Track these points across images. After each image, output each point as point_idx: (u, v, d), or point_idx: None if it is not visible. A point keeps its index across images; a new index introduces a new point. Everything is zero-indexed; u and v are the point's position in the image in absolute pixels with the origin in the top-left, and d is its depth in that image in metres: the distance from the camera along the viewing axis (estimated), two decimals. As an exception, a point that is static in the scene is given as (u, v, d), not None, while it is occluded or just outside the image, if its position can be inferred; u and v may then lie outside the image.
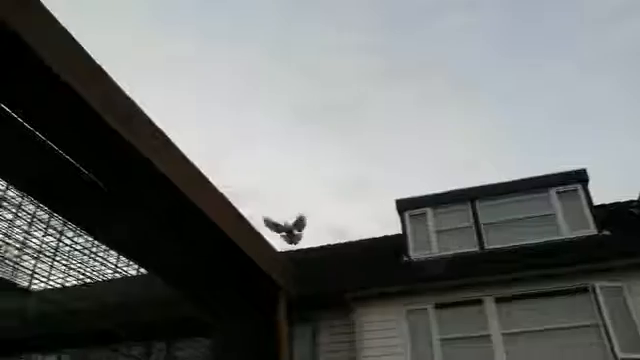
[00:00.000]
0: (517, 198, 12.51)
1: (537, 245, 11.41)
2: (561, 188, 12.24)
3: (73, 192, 0.93)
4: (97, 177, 0.88)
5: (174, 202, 0.96)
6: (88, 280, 1.55)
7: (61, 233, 1.27)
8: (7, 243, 1.41)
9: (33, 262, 1.51)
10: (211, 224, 1.06)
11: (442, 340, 10.51)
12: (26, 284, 1.57)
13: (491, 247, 12.02)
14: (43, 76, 0.72)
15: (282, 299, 1.62)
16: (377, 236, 15.32)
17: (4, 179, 0.98)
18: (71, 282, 1.60)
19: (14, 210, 1.35)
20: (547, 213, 12.09)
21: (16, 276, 1.56)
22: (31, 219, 1.38)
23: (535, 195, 12.41)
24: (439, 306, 10.74)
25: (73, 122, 0.83)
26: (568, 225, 11.77)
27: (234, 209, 1.23)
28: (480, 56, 21.78)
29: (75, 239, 1.49)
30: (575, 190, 12.17)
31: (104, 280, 1.66)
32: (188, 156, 1.05)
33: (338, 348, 11.37)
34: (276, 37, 21.28)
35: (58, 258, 1.51)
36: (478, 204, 12.63)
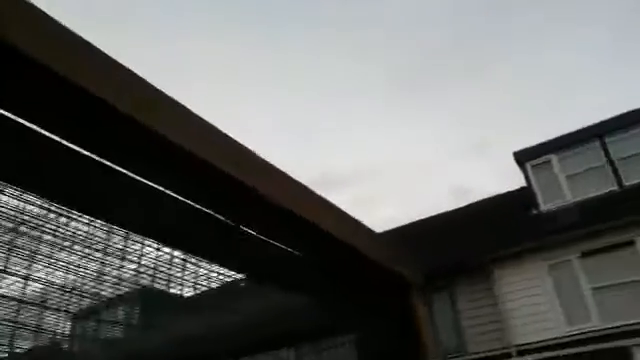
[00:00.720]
0: (653, 124, 11.27)
1: (687, 171, 10.24)
2: None
3: (203, 233, 1.04)
4: (223, 215, 0.99)
5: (293, 222, 1.04)
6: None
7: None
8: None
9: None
10: (334, 239, 1.13)
11: (594, 290, 9.85)
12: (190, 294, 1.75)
13: (631, 183, 10.98)
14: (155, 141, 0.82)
15: (413, 289, 1.65)
16: (500, 193, 14.71)
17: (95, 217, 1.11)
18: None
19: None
20: (693, 134, 10.78)
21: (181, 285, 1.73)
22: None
23: (675, 116, 11.10)
24: (584, 255, 10.06)
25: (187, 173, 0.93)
26: None
27: (355, 220, 1.29)
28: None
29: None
30: None
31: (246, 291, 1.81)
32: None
33: (480, 313, 11.12)
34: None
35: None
36: (607, 139, 11.55)
